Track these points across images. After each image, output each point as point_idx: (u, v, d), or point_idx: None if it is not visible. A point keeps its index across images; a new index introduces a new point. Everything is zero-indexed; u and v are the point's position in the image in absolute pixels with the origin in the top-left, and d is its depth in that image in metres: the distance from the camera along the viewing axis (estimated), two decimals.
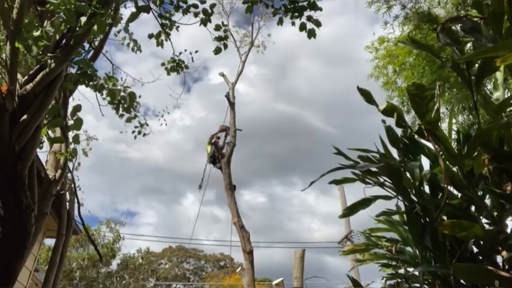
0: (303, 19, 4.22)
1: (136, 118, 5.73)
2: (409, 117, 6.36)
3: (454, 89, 6.46)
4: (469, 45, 2.14)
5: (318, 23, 4.18)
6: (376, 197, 1.92)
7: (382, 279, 2.09)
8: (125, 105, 5.10)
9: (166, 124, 6.55)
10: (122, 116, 5.34)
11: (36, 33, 2.70)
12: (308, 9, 4.18)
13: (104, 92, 4.78)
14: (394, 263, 2.08)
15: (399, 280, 1.99)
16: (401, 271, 2.06)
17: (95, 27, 3.01)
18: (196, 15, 4.39)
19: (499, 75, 1.74)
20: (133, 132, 5.89)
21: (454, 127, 2.91)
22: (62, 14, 2.66)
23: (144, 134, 6.00)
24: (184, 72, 5.39)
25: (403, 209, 1.99)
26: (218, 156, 10.57)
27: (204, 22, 4.42)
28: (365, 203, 1.95)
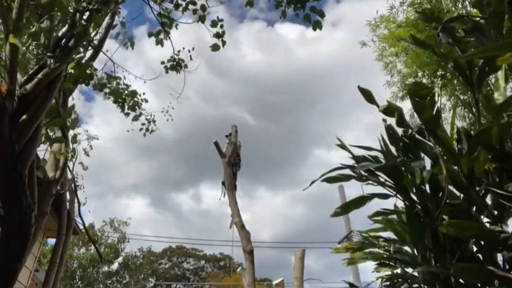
0: (307, 10, 4.14)
1: (142, 115, 5.75)
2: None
3: (455, 81, 6.52)
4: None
5: (321, 14, 4.10)
6: (373, 196, 1.88)
7: (377, 279, 2.05)
8: (129, 104, 5.13)
9: (172, 119, 6.56)
10: (127, 114, 5.36)
11: (32, 30, 2.69)
12: (311, 0, 4.11)
13: (106, 90, 4.80)
14: (391, 262, 2.04)
15: (395, 280, 1.96)
16: (398, 271, 2.02)
17: (92, 24, 3.01)
18: (194, 12, 4.44)
19: (500, 75, 1.73)
20: (140, 129, 5.94)
21: (457, 122, 2.89)
22: (57, 11, 2.64)
23: (152, 131, 6.04)
24: (184, 72, 5.41)
25: (401, 208, 1.97)
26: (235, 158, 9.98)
27: (202, 19, 4.47)
28: (360, 201, 1.90)
